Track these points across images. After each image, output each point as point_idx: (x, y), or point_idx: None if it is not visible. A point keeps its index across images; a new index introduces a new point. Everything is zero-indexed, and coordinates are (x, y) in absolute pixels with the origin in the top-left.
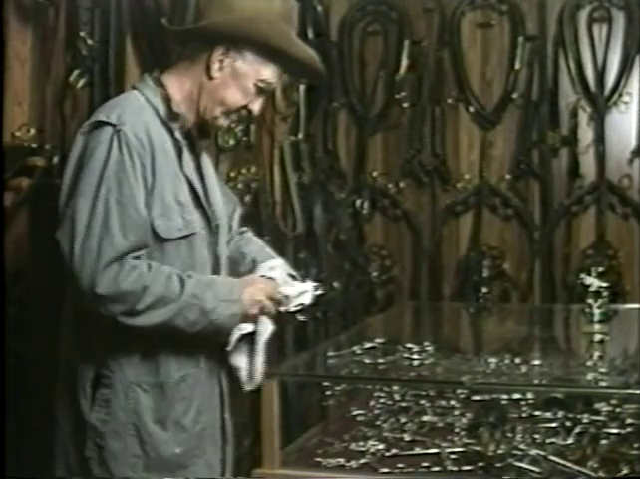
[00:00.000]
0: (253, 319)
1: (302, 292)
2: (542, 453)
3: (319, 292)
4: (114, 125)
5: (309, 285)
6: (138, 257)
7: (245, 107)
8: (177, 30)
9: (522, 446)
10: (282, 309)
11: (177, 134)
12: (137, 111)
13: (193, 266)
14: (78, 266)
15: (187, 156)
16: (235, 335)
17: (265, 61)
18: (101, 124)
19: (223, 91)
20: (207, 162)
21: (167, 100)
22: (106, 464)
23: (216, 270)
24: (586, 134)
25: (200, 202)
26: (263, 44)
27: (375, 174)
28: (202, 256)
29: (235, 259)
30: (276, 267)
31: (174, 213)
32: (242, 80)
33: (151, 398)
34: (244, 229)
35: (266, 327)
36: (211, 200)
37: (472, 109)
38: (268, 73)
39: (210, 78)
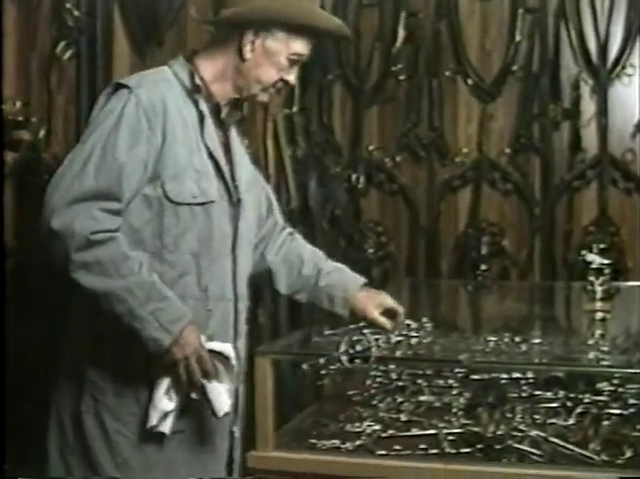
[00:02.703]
0: (174, 365)
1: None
2: (543, 434)
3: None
4: (129, 87)
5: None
6: (113, 214)
7: (281, 80)
8: (206, 21)
9: (522, 427)
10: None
11: (202, 106)
12: (157, 81)
13: (211, 236)
14: (46, 200)
15: (211, 128)
16: (154, 416)
17: (294, 36)
18: (119, 86)
19: (257, 70)
20: (236, 140)
21: (192, 74)
22: (100, 418)
23: (234, 244)
24: (588, 107)
25: (222, 175)
26: (291, 23)
27: (371, 148)
28: (222, 228)
29: (291, 262)
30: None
31: (189, 179)
32: (274, 57)
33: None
34: (290, 229)
35: (220, 399)
36: (236, 175)
37: (470, 81)
38: (298, 46)
39: (243, 60)
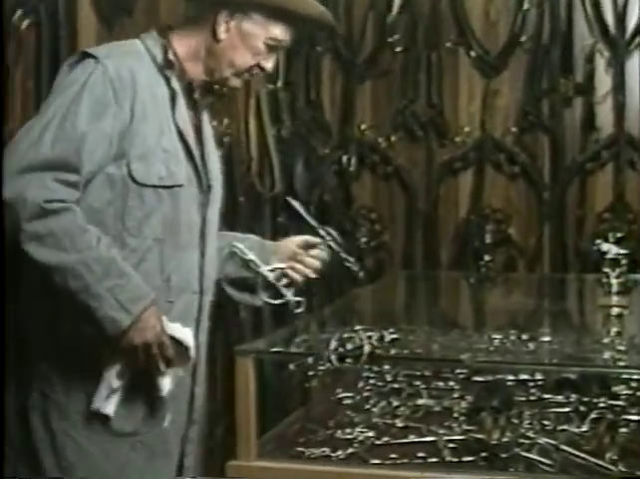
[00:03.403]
0: (131, 351)
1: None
2: (553, 442)
3: None
4: (96, 57)
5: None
6: (70, 186)
7: (257, 65)
8: None
9: (530, 434)
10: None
11: (175, 84)
12: (128, 53)
13: (177, 222)
14: (4, 169)
15: (183, 108)
16: (99, 398)
17: (273, 20)
18: (85, 55)
19: (231, 53)
20: (208, 124)
21: (165, 49)
22: (47, 416)
23: (203, 233)
24: (604, 81)
25: (192, 157)
26: (269, 6)
27: (363, 127)
28: (190, 215)
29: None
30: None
31: (156, 159)
32: (251, 40)
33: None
34: None
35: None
36: (206, 159)
37: (473, 54)
38: (277, 31)
39: (217, 40)
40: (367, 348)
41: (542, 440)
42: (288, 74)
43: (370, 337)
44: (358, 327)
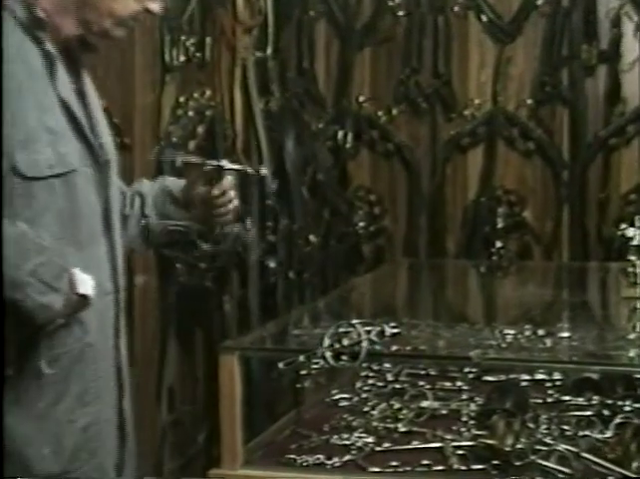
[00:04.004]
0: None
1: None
2: (573, 449)
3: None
4: None
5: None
6: None
7: (143, 10)
8: None
9: (548, 440)
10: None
11: (48, 46)
12: None
13: (76, 214)
14: None
15: (63, 74)
16: None
17: None
18: None
19: (109, 0)
20: (90, 85)
21: (30, 5)
22: None
23: (108, 220)
24: (631, 48)
25: (83, 132)
26: None
27: (361, 99)
28: (89, 202)
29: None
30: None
31: (42, 144)
32: None
33: (8, 382)
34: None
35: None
36: (97, 130)
37: (484, 18)
38: None
39: None
40: (365, 344)
41: (561, 447)
42: (278, 41)
43: (369, 332)
44: (355, 321)
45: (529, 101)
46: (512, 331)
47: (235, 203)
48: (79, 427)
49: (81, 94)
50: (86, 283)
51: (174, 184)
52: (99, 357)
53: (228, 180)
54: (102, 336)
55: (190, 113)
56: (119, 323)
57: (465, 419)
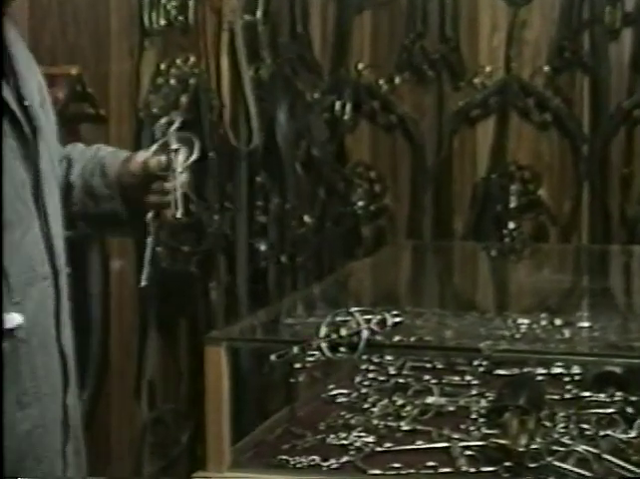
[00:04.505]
0: None
1: None
2: (594, 450)
3: None
4: None
5: None
6: None
7: None
8: None
9: (565, 440)
10: None
11: None
12: None
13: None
14: None
15: None
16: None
17: None
18: None
19: None
20: (16, 36)
21: None
22: None
23: (38, 192)
24: None
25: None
26: None
27: (361, 66)
28: (15, 177)
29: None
30: None
31: None
32: None
33: None
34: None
35: None
36: (23, 91)
37: None
38: None
39: None
40: (365, 335)
41: (580, 448)
42: (269, 3)
43: (369, 321)
44: (354, 309)
45: (546, 68)
46: (527, 321)
47: (177, 194)
48: (21, 433)
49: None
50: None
51: (111, 156)
52: (36, 353)
53: (178, 162)
54: (39, 329)
55: (172, 81)
56: (60, 311)
57: (474, 417)
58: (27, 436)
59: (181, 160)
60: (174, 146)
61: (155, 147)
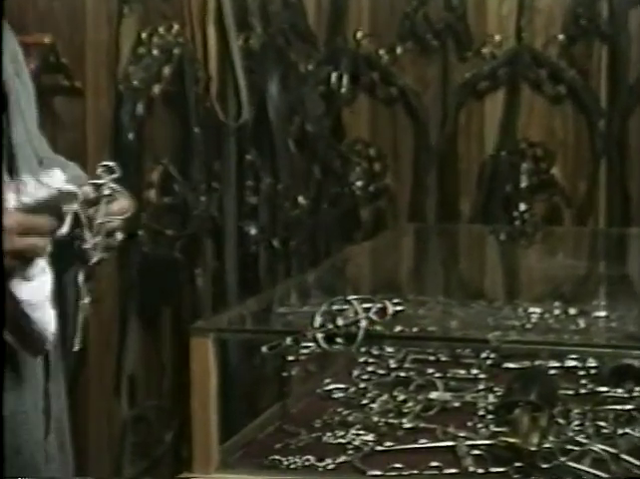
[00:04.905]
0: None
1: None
2: (611, 450)
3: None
4: None
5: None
6: None
7: None
8: None
9: (580, 438)
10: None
11: None
12: None
13: None
14: None
15: None
16: None
17: None
18: None
19: None
20: None
21: None
22: None
23: (12, 166)
24: None
25: None
26: None
27: (359, 35)
28: None
29: None
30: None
31: None
32: None
33: None
34: None
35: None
36: None
37: None
38: None
39: None
40: (364, 325)
41: (597, 447)
42: None
43: (368, 310)
44: (352, 297)
45: (560, 37)
46: (539, 310)
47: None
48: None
49: None
50: None
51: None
52: None
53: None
54: None
55: (155, 51)
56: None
57: (481, 413)
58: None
59: (109, 211)
60: (107, 191)
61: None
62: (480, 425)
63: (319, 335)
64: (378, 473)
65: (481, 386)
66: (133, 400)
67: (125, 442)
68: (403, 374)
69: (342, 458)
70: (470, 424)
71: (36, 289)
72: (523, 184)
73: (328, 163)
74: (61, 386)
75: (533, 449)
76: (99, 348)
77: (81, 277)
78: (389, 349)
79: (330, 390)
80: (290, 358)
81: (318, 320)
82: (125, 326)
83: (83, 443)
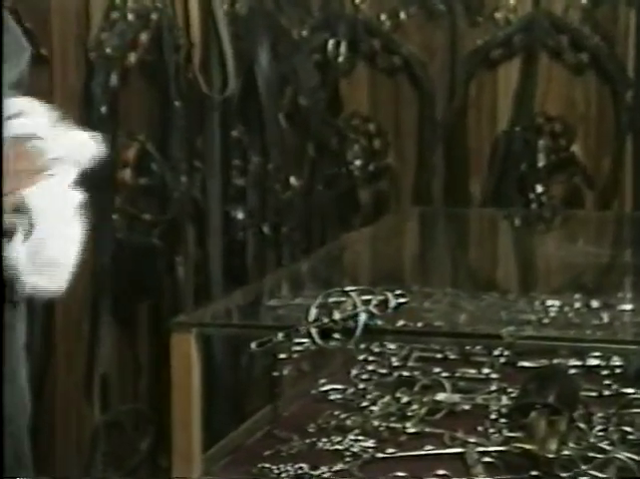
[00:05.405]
0: None
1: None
2: (637, 457)
3: None
4: None
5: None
6: None
7: None
8: None
9: (604, 445)
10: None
11: None
12: None
13: None
14: None
15: None
16: None
17: None
18: None
19: None
20: None
21: None
22: None
23: None
24: None
25: None
26: None
27: None
28: None
29: None
30: None
31: None
32: None
33: None
34: None
35: None
36: None
37: None
38: None
39: None
40: (363, 319)
41: (621, 454)
42: None
43: (367, 303)
44: (350, 288)
45: (583, 0)
46: (557, 302)
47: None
48: None
49: None
50: None
51: None
52: None
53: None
54: None
55: (130, 16)
56: None
57: (493, 417)
58: None
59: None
60: None
61: None
62: (491, 430)
63: (314, 330)
64: None
65: (494, 387)
66: (105, 404)
67: (96, 451)
68: (406, 374)
69: (339, 466)
70: (480, 429)
71: None
72: (540, 163)
73: (323, 140)
74: (20, 388)
75: (551, 457)
76: (67, 346)
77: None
78: (391, 346)
79: (326, 391)
80: (282, 356)
81: (313, 314)
82: (97, 321)
83: (47, 452)
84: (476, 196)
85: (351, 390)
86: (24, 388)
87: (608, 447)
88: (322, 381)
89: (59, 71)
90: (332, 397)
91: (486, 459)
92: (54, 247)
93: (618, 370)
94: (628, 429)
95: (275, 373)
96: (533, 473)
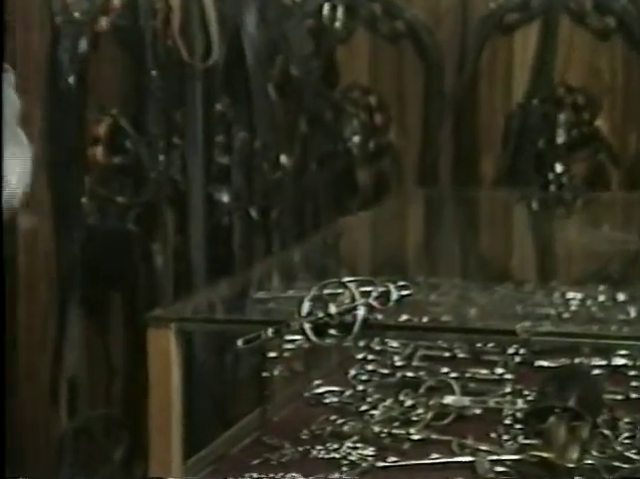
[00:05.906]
0: None
1: None
2: None
3: None
4: None
5: None
6: None
7: None
8: None
9: (631, 454)
10: None
11: None
12: None
13: None
14: None
15: None
16: None
17: None
18: None
19: None
20: None
21: None
22: None
23: None
24: None
25: None
26: None
27: None
28: None
29: None
30: None
31: None
32: None
33: None
34: None
35: None
36: None
37: None
38: None
39: None
40: (362, 313)
41: None
42: None
43: (367, 295)
44: (347, 279)
45: None
46: (579, 295)
47: None
48: None
49: None
50: None
51: None
52: None
53: None
54: None
55: None
56: None
57: (507, 422)
58: None
59: None
60: None
61: None
62: (505, 437)
63: (307, 326)
64: None
65: (508, 389)
66: (73, 409)
67: (63, 461)
68: (410, 374)
69: (335, 476)
70: (493, 435)
71: None
72: (560, 139)
73: (317, 114)
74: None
75: (571, 466)
76: (31, 344)
77: None
78: (393, 343)
79: (321, 394)
80: (272, 355)
81: (306, 307)
82: (64, 317)
83: (11, 461)
84: (487, 176)
85: (349, 392)
86: None
87: (635, 456)
88: (316, 383)
89: (21, 36)
90: (327, 400)
91: (499, 469)
92: None
93: None
94: None
95: (264, 374)
96: None
